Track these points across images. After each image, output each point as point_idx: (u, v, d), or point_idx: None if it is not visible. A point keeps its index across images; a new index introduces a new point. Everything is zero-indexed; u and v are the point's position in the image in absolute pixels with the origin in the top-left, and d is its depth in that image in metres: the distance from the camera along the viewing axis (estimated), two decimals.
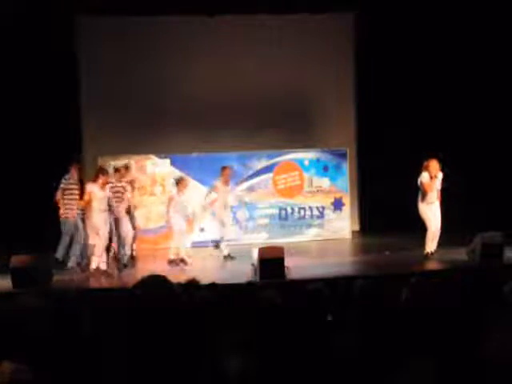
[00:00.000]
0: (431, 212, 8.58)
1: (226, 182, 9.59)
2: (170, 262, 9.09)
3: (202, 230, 10.82)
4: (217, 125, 11.67)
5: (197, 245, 10.17)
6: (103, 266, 8.57)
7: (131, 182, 9.49)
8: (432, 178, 8.45)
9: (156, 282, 2.60)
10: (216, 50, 11.83)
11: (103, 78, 11.64)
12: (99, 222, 8.49)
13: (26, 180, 10.67)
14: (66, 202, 8.77)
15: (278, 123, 11.83)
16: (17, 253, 7.91)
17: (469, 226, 9.08)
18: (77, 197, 8.78)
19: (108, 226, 8.66)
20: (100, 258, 8.53)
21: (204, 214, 9.92)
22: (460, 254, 8.43)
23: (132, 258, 9.42)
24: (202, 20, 11.69)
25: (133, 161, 10.84)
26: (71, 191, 8.82)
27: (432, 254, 8.61)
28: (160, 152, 11.23)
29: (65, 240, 8.80)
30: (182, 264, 9.03)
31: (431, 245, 8.60)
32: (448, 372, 2.28)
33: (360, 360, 2.52)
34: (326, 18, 12.15)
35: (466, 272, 7.32)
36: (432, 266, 8.29)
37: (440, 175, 8.52)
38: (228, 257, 9.47)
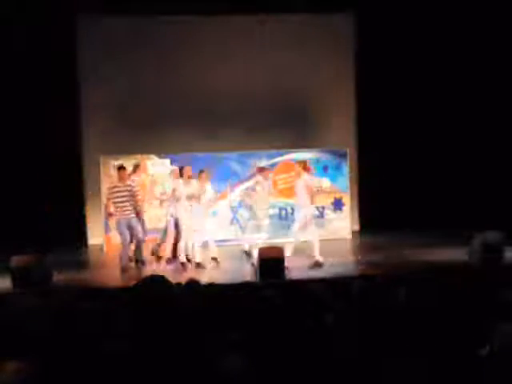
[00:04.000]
0: None
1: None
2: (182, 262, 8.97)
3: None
4: (217, 125, 11.68)
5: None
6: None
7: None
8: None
9: (156, 282, 2.61)
10: (216, 50, 11.84)
11: (103, 77, 11.62)
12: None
13: (27, 180, 10.69)
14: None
15: (278, 123, 11.83)
16: (17, 253, 7.91)
17: (469, 225, 9.08)
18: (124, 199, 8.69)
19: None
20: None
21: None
22: (460, 254, 8.43)
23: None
24: (202, 20, 11.69)
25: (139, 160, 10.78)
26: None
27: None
28: (160, 152, 11.23)
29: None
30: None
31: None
32: (446, 371, 2.28)
33: (359, 360, 2.53)
34: (325, 18, 12.16)
35: (465, 272, 7.32)
36: (432, 266, 8.29)
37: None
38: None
